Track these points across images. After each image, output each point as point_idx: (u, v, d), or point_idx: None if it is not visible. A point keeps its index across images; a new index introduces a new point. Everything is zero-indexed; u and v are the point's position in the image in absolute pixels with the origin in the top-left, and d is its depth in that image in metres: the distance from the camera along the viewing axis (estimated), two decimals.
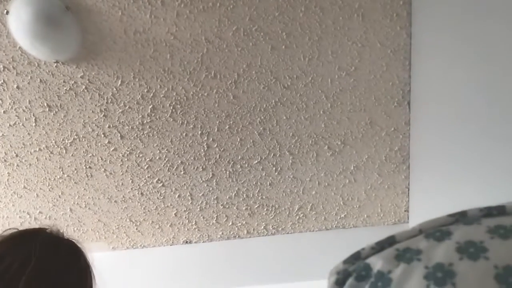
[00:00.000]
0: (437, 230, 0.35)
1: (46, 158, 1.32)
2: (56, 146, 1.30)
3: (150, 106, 1.26)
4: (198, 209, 1.43)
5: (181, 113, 1.27)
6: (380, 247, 0.37)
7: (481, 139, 1.12)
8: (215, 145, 1.32)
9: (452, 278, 0.30)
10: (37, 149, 1.30)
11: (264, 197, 1.42)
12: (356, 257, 0.38)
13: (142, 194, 1.39)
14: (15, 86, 1.21)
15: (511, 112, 1.02)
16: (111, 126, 1.28)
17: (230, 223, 1.47)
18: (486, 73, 1.07)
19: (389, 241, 0.37)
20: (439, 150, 1.26)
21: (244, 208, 1.44)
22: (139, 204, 1.41)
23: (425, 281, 0.31)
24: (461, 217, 0.37)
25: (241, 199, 1.42)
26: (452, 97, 1.18)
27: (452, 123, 1.20)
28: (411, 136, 1.33)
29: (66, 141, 1.29)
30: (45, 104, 1.24)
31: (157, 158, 1.33)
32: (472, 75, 1.11)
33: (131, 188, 1.38)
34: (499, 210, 0.36)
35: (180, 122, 1.28)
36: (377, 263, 0.35)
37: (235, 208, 1.44)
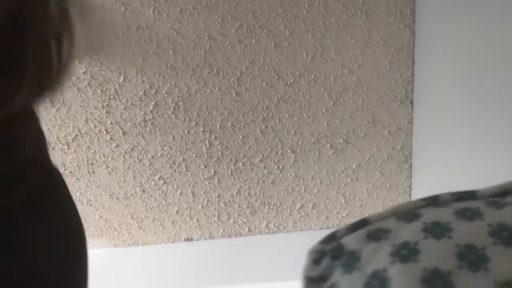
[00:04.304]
0: (407, 213, 0.37)
1: None
2: (58, 142, 1.30)
3: (153, 103, 1.26)
4: (200, 207, 1.43)
5: (183, 110, 1.27)
6: (354, 227, 0.39)
7: (483, 139, 1.12)
8: (217, 143, 1.32)
9: (416, 255, 0.31)
10: None
11: (265, 195, 1.42)
12: (332, 238, 0.40)
13: (143, 191, 1.39)
14: None
15: None
16: (113, 122, 1.28)
17: (232, 221, 1.46)
18: (490, 72, 1.07)
19: (362, 223, 0.40)
20: (442, 149, 1.26)
21: (245, 206, 1.44)
22: (140, 201, 1.41)
23: (391, 257, 0.33)
24: (432, 201, 0.39)
25: (242, 197, 1.42)
26: (455, 96, 1.18)
27: (455, 122, 1.20)
28: (413, 135, 1.33)
29: (68, 137, 1.29)
30: (47, 100, 1.24)
31: (159, 155, 1.33)
32: (476, 74, 1.11)
33: (133, 185, 1.38)
34: (469, 195, 0.38)
35: (183, 119, 1.28)
36: (349, 242, 0.38)
37: (236, 206, 1.43)
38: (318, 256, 0.39)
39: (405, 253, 0.32)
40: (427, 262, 0.31)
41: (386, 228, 0.36)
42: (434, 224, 0.34)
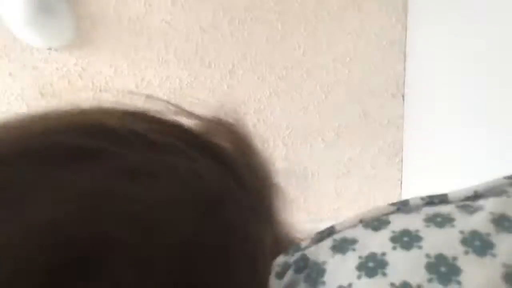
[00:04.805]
0: (376, 219, 0.35)
1: None
2: None
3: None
4: None
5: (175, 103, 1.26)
6: (320, 237, 0.37)
7: (474, 133, 1.13)
8: None
9: (383, 268, 0.30)
10: None
11: None
12: (296, 249, 0.38)
13: None
14: (7, 73, 1.19)
15: (506, 106, 1.02)
16: None
17: None
18: (481, 67, 1.07)
19: (328, 232, 0.37)
20: (432, 143, 1.27)
21: None
22: None
23: (357, 271, 0.31)
24: (402, 206, 0.37)
25: None
26: (446, 90, 1.18)
27: (445, 116, 1.21)
28: (404, 128, 1.34)
29: None
30: (38, 92, 1.23)
31: None
32: (467, 68, 1.11)
33: None
34: (441, 199, 0.36)
35: None
36: (313, 254, 0.35)
37: None
38: (281, 269, 0.37)
39: (372, 266, 0.31)
40: (395, 275, 0.29)
41: (352, 238, 0.34)
42: (403, 233, 0.32)
